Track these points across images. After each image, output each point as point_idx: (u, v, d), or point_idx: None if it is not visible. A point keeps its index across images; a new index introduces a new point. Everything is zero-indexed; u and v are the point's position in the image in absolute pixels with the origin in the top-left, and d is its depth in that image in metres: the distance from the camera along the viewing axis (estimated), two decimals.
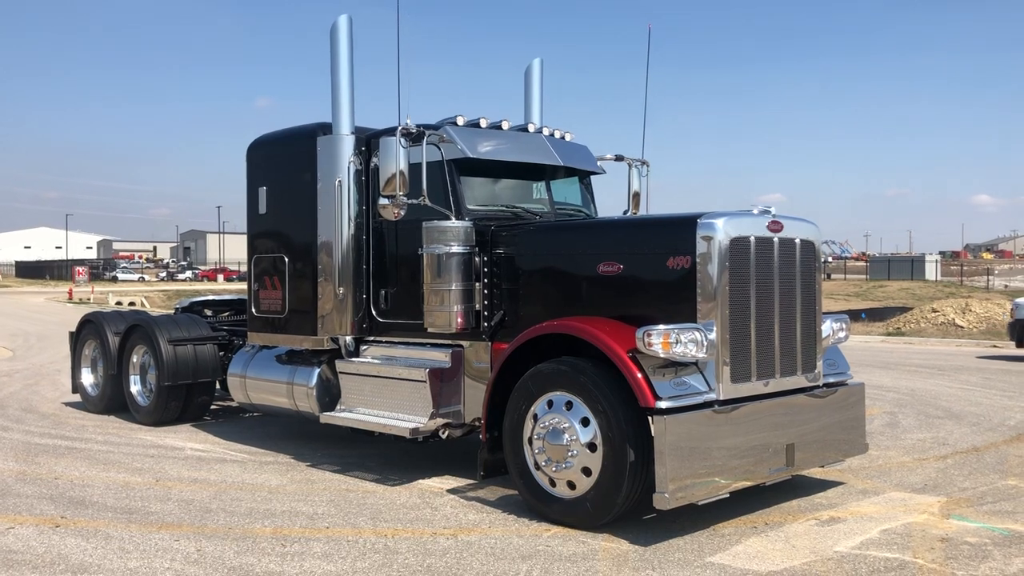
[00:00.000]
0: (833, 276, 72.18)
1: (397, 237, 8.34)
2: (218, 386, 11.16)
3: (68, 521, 6.77)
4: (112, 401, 11.53)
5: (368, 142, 8.55)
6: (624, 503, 6.27)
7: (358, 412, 8.33)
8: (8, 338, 24.74)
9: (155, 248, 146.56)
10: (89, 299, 48.71)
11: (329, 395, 8.75)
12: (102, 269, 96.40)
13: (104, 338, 11.48)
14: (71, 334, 12.42)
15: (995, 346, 22.17)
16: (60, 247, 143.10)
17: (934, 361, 18.66)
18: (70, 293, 53.80)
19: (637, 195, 9.75)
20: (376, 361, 8.43)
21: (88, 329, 11.99)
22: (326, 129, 8.71)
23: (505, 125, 8.48)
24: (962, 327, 26.22)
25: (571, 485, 6.48)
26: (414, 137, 7.73)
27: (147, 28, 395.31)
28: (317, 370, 8.83)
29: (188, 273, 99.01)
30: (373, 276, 8.56)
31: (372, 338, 8.61)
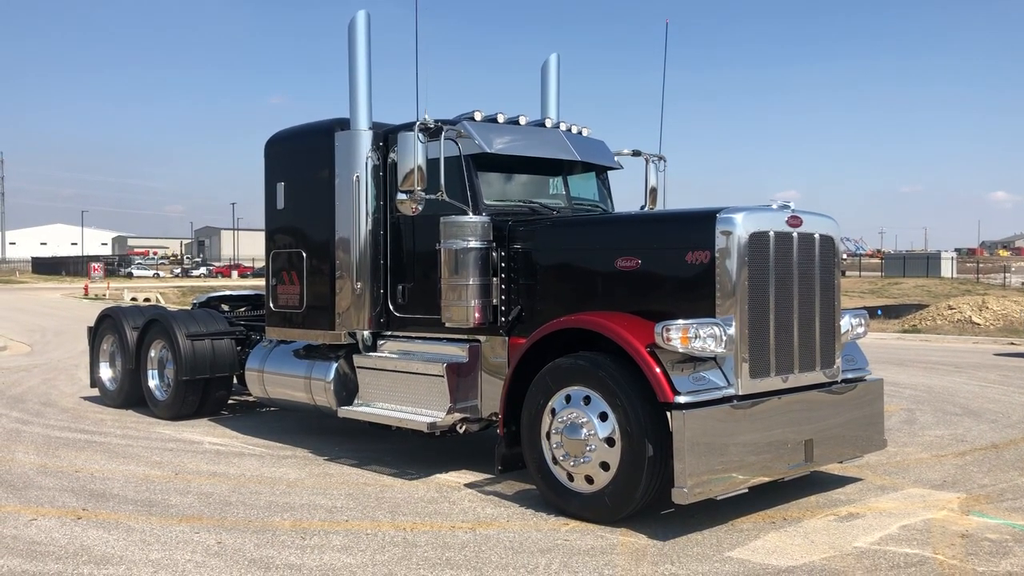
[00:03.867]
0: (848, 273, 71.75)
1: (415, 232, 8.36)
2: (235, 381, 11.22)
3: (90, 513, 6.83)
4: (130, 395, 11.61)
5: (386, 137, 8.56)
6: (642, 498, 6.27)
7: (375, 406, 8.36)
8: (26, 333, 24.93)
9: (181, 244, 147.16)
10: (105, 295, 49.01)
11: (346, 389, 8.79)
12: (117, 265, 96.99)
13: (122, 333, 11.56)
14: (89, 329, 12.51)
15: (1012, 343, 22.01)
16: (76, 244, 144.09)
17: (951, 358, 18.55)
18: (86, 289, 54.15)
19: (654, 190, 9.74)
20: (393, 356, 8.45)
21: (106, 324, 12.07)
22: (344, 125, 8.73)
23: (522, 120, 8.48)
24: (979, 324, 26.01)
25: (589, 480, 6.49)
26: (432, 132, 7.74)
27: (161, 26, 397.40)
28: (335, 365, 8.87)
29: (202, 269, 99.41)
30: (391, 271, 8.58)
31: (389, 333, 8.63)
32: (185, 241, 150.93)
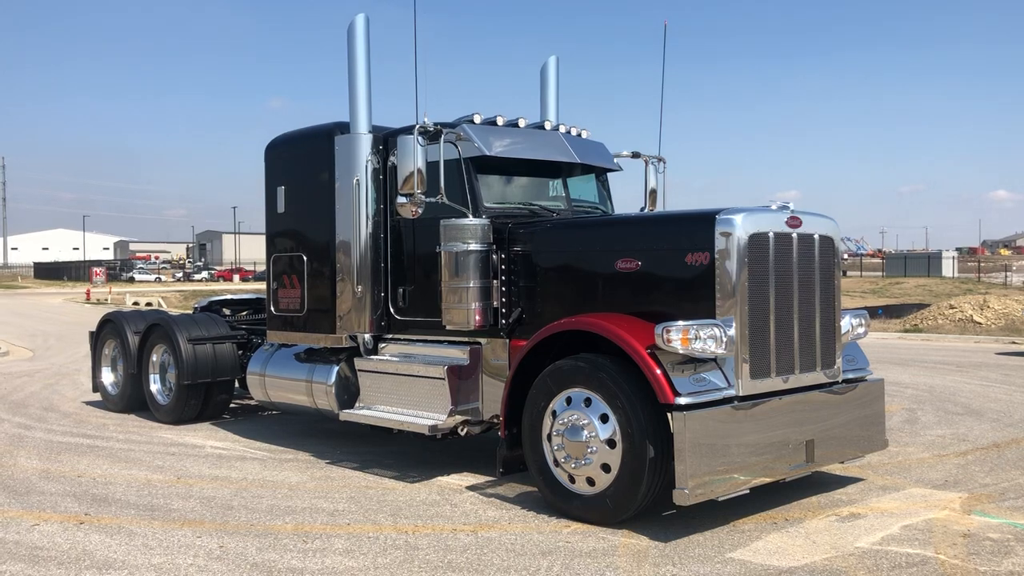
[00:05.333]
0: (849, 273, 71.74)
1: (415, 235, 8.37)
2: (237, 385, 11.23)
3: (92, 518, 6.83)
4: (132, 400, 11.63)
5: (386, 141, 8.58)
6: (644, 499, 6.28)
7: (377, 409, 8.36)
8: (28, 338, 24.96)
9: (187, 248, 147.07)
10: (107, 300, 49.01)
11: (348, 393, 8.80)
12: (119, 270, 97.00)
13: (124, 337, 11.57)
14: (91, 334, 12.53)
15: (1014, 342, 21.98)
16: (77, 248, 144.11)
17: (952, 358, 18.54)
18: (88, 294, 54.13)
19: (654, 192, 9.75)
20: (394, 359, 8.46)
21: (108, 329, 12.08)
22: (343, 128, 8.75)
23: (522, 123, 8.49)
24: (980, 324, 25.99)
25: (590, 481, 6.49)
26: (431, 135, 7.76)
27: (162, 30, 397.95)
28: (336, 368, 8.87)
29: (204, 273, 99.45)
30: (391, 274, 8.60)
31: (390, 336, 8.64)
32: (188, 245, 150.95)
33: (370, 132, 8.63)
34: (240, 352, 10.97)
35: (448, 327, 7.82)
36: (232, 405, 11.77)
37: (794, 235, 6.82)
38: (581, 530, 6.38)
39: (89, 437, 10.16)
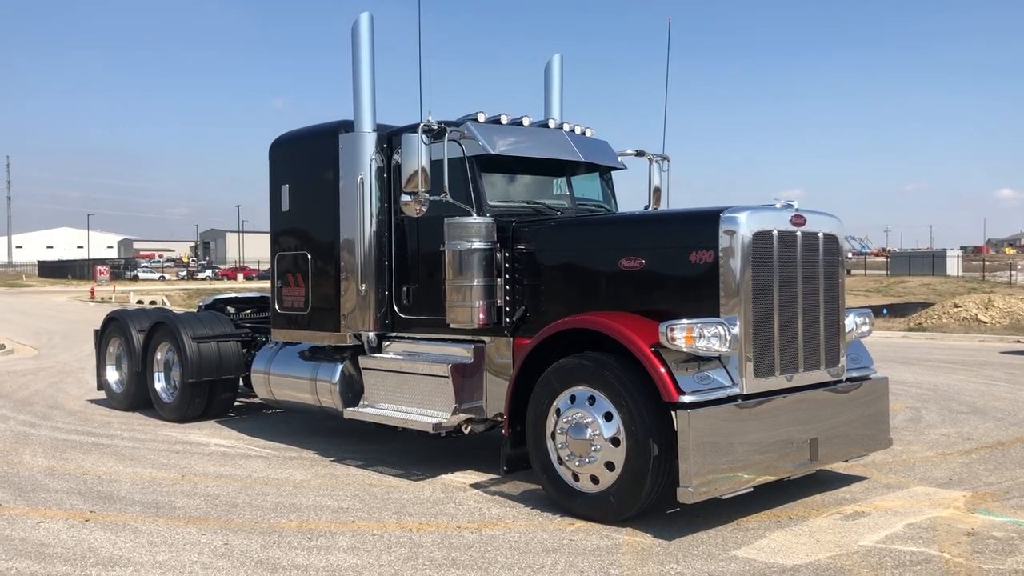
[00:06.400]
0: (853, 272, 71.63)
1: (419, 234, 8.37)
2: (241, 383, 11.25)
3: (97, 515, 6.86)
4: (136, 398, 11.65)
5: (390, 139, 8.59)
6: (647, 497, 6.28)
7: (381, 407, 8.38)
8: (32, 337, 25.02)
9: (191, 247, 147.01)
10: (111, 298, 49.11)
11: (352, 391, 8.81)
12: (123, 268, 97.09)
13: (128, 336, 11.60)
14: (96, 332, 12.56)
15: (1019, 341, 21.92)
16: (82, 247, 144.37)
17: (957, 356, 18.51)
18: (92, 292, 54.21)
19: (658, 190, 9.76)
20: (399, 357, 8.47)
21: (113, 327, 12.11)
22: (348, 127, 8.76)
23: (526, 121, 8.49)
24: (985, 322, 25.92)
25: (594, 479, 6.50)
26: (436, 134, 7.76)
27: (164, 29, 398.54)
28: (340, 366, 8.89)
29: (208, 272, 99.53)
30: (395, 272, 8.60)
31: (394, 334, 8.65)
32: (192, 243, 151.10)
33: (374, 131, 8.64)
34: (244, 350, 10.98)
35: (452, 325, 7.83)
36: (236, 403, 11.79)
37: (798, 233, 6.82)
38: (585, 528, 6.39)
39: (94, 435, 10.19)
